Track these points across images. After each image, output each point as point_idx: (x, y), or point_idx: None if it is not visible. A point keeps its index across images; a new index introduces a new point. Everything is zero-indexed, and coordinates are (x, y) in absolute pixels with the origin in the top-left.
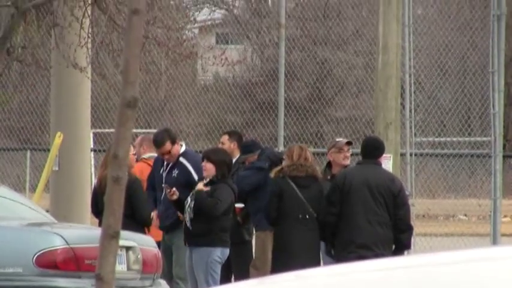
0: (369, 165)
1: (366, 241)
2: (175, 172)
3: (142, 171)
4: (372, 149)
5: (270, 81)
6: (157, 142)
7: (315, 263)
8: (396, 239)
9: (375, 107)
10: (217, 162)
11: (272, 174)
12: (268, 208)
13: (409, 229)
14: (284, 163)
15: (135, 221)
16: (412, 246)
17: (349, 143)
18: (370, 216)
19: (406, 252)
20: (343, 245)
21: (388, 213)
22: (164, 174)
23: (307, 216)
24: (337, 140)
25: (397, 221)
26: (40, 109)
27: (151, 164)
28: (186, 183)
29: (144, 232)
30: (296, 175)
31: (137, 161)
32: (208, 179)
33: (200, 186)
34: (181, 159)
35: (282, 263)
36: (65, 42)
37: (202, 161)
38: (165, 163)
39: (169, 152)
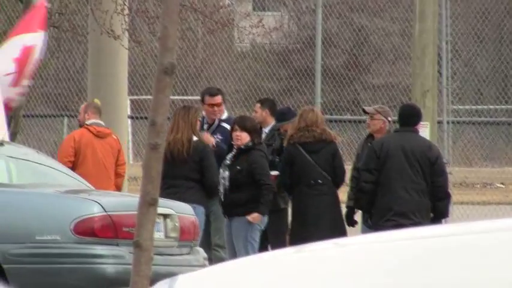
0: (406, 133)
1: (403, 209)
2: (217, 137)
3: (82, 137)
4: (409, 116)
5: (307, 48)
6: (212, 91)
7: (335, 228)
8: (434, 207)
9: (411, 75)
10: (251, 129)
11: (285, 143)
12: (281, 176)
13: (447, 197)
14: (290, 130)
15: (202, 186)
16: (449, 215)
17: (364, 111)
18: (407, 183)
19: (443, 221)
20: (381, 213)
21: (425, 181)
22: None
23: (320, 181)
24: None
25: (435, 189)
26: (77, 75)
27: (94, 130)
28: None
29: (210, 198)
30: (304, 141)
31: (80, 126)
32: (236, 149)
33: (246, 141)
34: (224, 124)
35: (299, 230)
36: (101, 9)
37: (233, 130)
38: (206, 127)
39: (219, 105)
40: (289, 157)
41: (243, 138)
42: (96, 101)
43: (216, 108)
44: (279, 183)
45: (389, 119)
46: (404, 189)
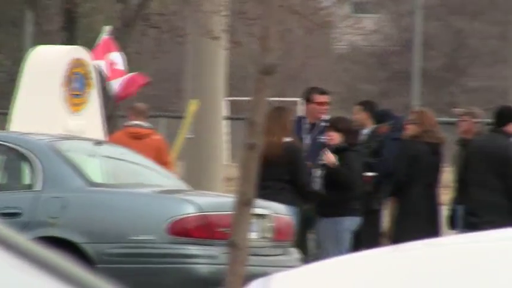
0: (493, 134)
1: (474, 208)
2: (320, 138)
3: (117, 138)
4: (498, 118)
5: (406, 50)
6: (321, 89)
7: (433, 229)
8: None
9: (509, 77)
10: (343, 130)
11: (404, 137)
12: (398, 172)
13: None
14: (416, 128)
15: (294, 187)
16: None
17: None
18: (481, 183)
19: None
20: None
21: (504, 182)
22: (309, 138)
23: (434, 183)
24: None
25: (510, 190)
26: (175, 76)
27: (129, 131)
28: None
29: (301, 199)
30: (429, 141)
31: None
32: (333, 148)
33: (330, 158)
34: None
35: (408, 229)
36: (200, 10)
37: (327, 130)
38: (308, 127)
39: (328, 104)
40: (415, 154)
41: (333, 138)
42: (195, 102)
43: (325, 106)
44: (375, 184)
45: (477, 120)
46: (478, 189)
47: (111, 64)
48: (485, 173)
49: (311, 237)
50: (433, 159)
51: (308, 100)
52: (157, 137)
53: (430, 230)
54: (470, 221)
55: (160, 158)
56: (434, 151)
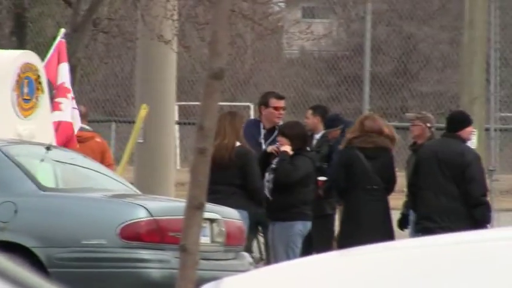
0: (446, 139)
1: (430, 213)
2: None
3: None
4: (450, 123)
5: (356, 55)
6: (278, 94)
7: (385, 234)
8: (470, 214)
9: (459, 82)
10: (291, 136)
11: (341, 146)
12: (335, 180)
13: (481, 204)
14: (350, 135)
15: (245, 191)
16: (494, 222)
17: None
18: (436, 188)
19: (489, 226)
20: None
21: (458, 187)
22: (265, 143)
23: (376, 187)
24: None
25: (467, 196)
26: (125, 81)
27: None
28: None
29: (254, 203)
30: (364, 146)
31: None
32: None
33: (286, 146)
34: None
35: (350, 235)
36: (150, 15)
37: (277, 135)
38: (264, 133)
39: (285, 109)
40: (348, 160)
41: (283, 143)
42: (145, 106)
43: (281, 111)
44: (327, 188)
45: (429, 125)
46: (433, 194)
47: (61, 84)
48: (441, 178)
49: (261, 241)
50: (369, 165)
51: (264, 105)
52: (99, 139)
53: (374, 234)
54: (426, 225)
55: (103, 162)
56: (371, 156)
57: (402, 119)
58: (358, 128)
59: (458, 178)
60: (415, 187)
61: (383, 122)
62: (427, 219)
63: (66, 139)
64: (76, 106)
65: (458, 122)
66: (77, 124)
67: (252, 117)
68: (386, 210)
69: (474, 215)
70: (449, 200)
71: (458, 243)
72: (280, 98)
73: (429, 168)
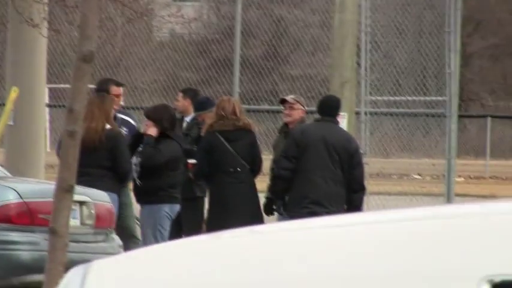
0: (326, 123)
1: (319, 197)
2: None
3: None
4: (330, 107)
5: (226, 38)
6: (118, 82)
7: (253, 216)
8: (349, 198)
9: (330, 66)
10: (157, 119)
11: (203, 131)
12: (200, 164)
13: (362, 189)
14: (209, 119)
15: (115, 174)
16: (365, 205)
17: (282, 101)
18: (325, 173)
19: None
20: (297, 200)
21: (343, 172)
22: None
23: (239, 169)
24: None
25: (351, 181)
26: None
27: None
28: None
29: (123, 185)
30: (224, 129)
31: None
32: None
33: (151, 129)
34: (122, 115)
35: (217, 217)
36: None
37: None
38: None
39: (122, 96)
40: (209, 145)
41: (149, 127)
42: (15, 89)
43: (119, 98)
44: (196, 172)
45: (302, 108)
46: (322, 179)
47: None
48: (329, 162)
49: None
50: (231, 147)
51: (105, 91)
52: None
53: (241, 216)
54: (314, 210)
55: None
56: (231, 139)
57: (272, 102)
58: (216, 112)
59: (345, 163)
60: (297, 171)
61: (239, 105)
62: (315, 204)
63: None
64: None
65: (335, 107)
66: None
67: None
68: (252, 191)
69: (354, 199)
70: (337, 185)
71: (326, 226)
72: (118, 84)
73: (317, 152)
